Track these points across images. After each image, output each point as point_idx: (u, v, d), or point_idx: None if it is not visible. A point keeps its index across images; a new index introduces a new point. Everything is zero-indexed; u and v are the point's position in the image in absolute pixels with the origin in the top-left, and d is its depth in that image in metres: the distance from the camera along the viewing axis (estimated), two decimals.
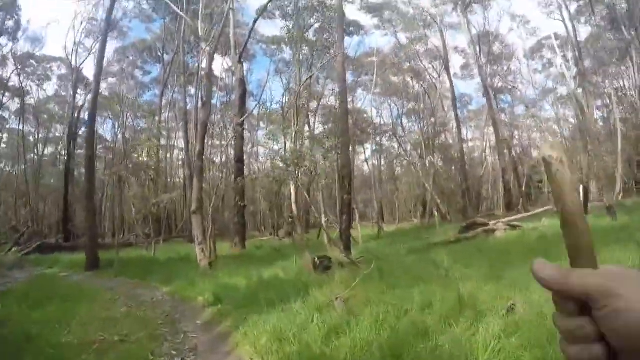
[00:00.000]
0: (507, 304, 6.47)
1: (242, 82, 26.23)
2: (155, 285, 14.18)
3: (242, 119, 23.40)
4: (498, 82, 42.47)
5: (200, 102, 22.20)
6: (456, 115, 35.38)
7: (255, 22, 28.88)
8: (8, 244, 28.56)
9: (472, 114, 51.53)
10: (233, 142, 24.82)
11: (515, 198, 31.43)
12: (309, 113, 16.59)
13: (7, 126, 49.58)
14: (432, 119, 37.98)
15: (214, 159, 45.89)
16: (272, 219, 42.27)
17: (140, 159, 27.67)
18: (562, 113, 49.64)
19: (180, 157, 47.41)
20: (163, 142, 47.73)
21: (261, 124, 54.39)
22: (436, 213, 27.27)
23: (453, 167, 34.29)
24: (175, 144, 52.95)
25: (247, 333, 7.35)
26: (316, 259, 13.75)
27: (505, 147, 35.25)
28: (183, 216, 34.43)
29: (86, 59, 43.75)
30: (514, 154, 35.37)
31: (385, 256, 15.95)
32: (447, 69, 37.85)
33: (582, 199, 22.57)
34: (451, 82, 36.99)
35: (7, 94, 45.76)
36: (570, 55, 43.92)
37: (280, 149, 40.43)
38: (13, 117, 49.41)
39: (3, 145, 51.56)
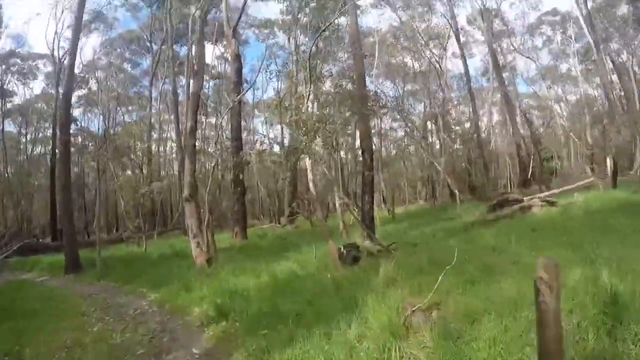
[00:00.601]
0: None
1: (238, 57, 23.01)
2: (141, 291, 10.90)
3: (239, 96, 20.00)
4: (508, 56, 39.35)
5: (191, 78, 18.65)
6: (469, 88, 32.05)
7: None
8: None
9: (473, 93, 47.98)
10: (229, 119, 21.31)
11: (538, 174, 28.26)
12: (322, 79, 13.30)
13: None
14: (440, 95, 34.62)
15: (208, 141, 42.40)
16: (272, 206, 38.92)
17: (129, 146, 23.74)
18: (562, 91, 46.91)
19: (174, 149, 43.55)
20: (155, 135, 44.33)
21: (256, 111, 51.08)
22: (456, 192, 24.15)
23: (462, 145, 31.04)
24: (169, 136, 49.27)
25: None
26: (342, 248, 10.57)
27: (524, 119, 32.15)
28: (179, 207, 30.94)
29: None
30: (534, 128, 32.14)
31: (419, 240, 12.79)
32: (457, 38, 34.41)
33: (611, 172, 20.26)
34: (462, 52, 33.59)
35: None
36: (571, 31, 41.07)
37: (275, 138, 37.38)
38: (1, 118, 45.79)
39: None
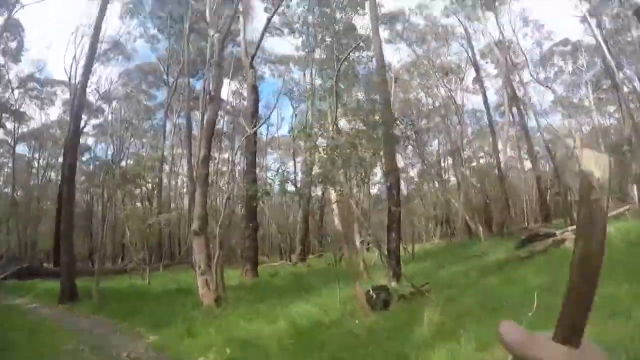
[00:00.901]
0: None
1: (255, 88, 22.03)
2: (139, 331, 9.40)
3: (256, 127, 18.91)
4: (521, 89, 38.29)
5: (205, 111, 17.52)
6: (490, 120, 30.61)
7: (269, 20, 24.53)
8: None
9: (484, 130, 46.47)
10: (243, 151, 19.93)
11: (562, 206, 26.74)
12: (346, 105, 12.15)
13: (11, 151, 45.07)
14: (458, 128, 33.35)
15: (220, 177, 41.06)
16: (283, 243, 37.28)
17: (139, 174, 22.35)
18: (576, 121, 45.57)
19: (185, 183, 42.26)
20: (167, 168, 43.36)
21: (269, 149, 50.08)
22: (479, 228, 22.76)
23: (480, 181, 29.66)
24: (180, 170, 48.18)
25: None
26: (371, 290, 9.16)
27: (547, 151, 30.78)
28: (187, 240, 29.41)
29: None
30: (555, 161, 30.53)
31: (452, 281, 11.37)
32: (476, 68, 33.26)
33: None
34: (482, 83, 32.33)
35: (10, 117, 41.67)
36: (582, 60, 40.05)
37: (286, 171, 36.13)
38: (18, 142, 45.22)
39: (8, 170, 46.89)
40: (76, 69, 36.80)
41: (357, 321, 8.12)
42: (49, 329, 10.12)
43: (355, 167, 9.36)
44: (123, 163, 36.24)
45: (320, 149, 9.02)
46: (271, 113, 29.04)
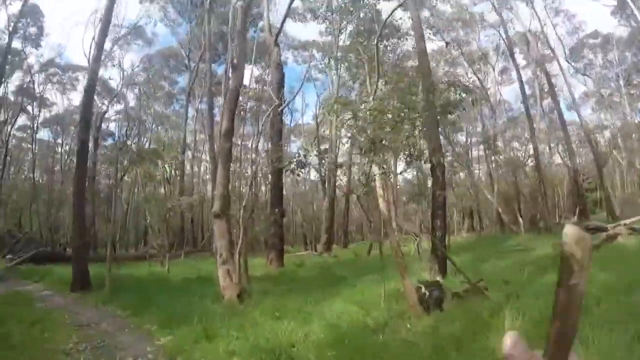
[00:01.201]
0: None
1: (279, 66, 20.53)
2: (150, 328, 7.99)
3: (282, 107, 17.39)
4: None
5: (228, 80, 15.96)
6: (526, 107, 28.15)
7: None
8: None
9: (511, 122, 44.18)
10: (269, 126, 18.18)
11: (605, 202, 24.90)
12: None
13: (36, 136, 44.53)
14: (487, 119, 31.49)
15: (242, 165, 39.72)
16: (308, 232, 35.88)
17: (156, 155, 20.80)
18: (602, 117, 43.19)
19: (209, 169, 40.95)
20: (189, 154, 42.33)
21: (292, 136, 48.58)
22: (520, 220, 21.12)
23: (512, 173, 27.73)
24: (203, 157, 47.06)
25: None
26: (423, 287, 7.65)
27: (588, 142, 28.77)
28: (209, 227, 28.04)
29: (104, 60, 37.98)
30: (599, 151, 28.52)
31: (504, 278, 9.82)
32: (512, 56, 30.76)
33: None
34: (517, 68, 29.81)
35: (34, 103, 41.09)
36: (613, 54, 37.74)
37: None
38: (41, 127, 44.70)
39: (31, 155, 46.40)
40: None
41: (408, 325, 6.63)
42: (52, 321, 8.88)
43: (406, 137, 7.71)
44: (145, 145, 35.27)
45: (367, 111, 7.43)
46: (297, 94, 27.11)
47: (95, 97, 39.53)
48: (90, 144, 18.38)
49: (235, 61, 11.99)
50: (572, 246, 0.59)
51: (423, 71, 11.59)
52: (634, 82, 36.67)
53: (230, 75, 12.48)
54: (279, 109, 18.31)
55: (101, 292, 11.99)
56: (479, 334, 5.46)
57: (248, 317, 7.70)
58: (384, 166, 7.99)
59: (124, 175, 17.76)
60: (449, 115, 9.49)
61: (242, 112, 26.36)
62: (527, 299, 7.02)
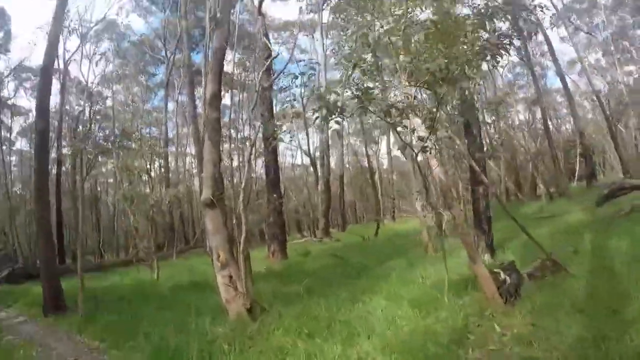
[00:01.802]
0: None
1: (267, 36, 18.31)
2: None
3: (272, 78, 15.02)
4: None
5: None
6: (531, 66, 26.10)
7: None
8: None
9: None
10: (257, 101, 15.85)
11: (623, 162, 23.02)
12: None
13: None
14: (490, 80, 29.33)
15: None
16: (305, 217, 33.57)
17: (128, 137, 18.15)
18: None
19: (194, 165, 38.08)
20: (172, 149, 39.68)
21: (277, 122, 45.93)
22: (542, 187, 19.36)
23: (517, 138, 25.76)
24: (188, 151, 44.25)
25: None
26: (502, 273, 5.40)
27: (598, 103, 26.81)
28: (200, 222, 25.46)
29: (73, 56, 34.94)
30: (607, 111, 26.48)
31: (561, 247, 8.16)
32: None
33: None
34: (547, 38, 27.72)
35: (8, 112, 38.24)
36: (598, 19, 35.82)
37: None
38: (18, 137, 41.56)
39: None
40: (64, 48, 32.88)
41: (497, 327, 4.41)
42: None
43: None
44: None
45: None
46: (283, 69, 24.28)
47: (70, 97, 37.08)
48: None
49: (218, 15, 9.50)
50: None
51: None
52: (620, 47, 35.03)
53: (214, 37, 9.94)
54: (269, 82, 15.94)
55: (76, 316, 9.49)
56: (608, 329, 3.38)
57: (268, 341, 5.35)
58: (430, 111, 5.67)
59: (89, 169, 15.03)
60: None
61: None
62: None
